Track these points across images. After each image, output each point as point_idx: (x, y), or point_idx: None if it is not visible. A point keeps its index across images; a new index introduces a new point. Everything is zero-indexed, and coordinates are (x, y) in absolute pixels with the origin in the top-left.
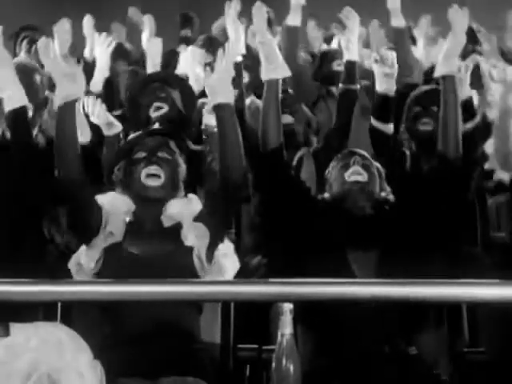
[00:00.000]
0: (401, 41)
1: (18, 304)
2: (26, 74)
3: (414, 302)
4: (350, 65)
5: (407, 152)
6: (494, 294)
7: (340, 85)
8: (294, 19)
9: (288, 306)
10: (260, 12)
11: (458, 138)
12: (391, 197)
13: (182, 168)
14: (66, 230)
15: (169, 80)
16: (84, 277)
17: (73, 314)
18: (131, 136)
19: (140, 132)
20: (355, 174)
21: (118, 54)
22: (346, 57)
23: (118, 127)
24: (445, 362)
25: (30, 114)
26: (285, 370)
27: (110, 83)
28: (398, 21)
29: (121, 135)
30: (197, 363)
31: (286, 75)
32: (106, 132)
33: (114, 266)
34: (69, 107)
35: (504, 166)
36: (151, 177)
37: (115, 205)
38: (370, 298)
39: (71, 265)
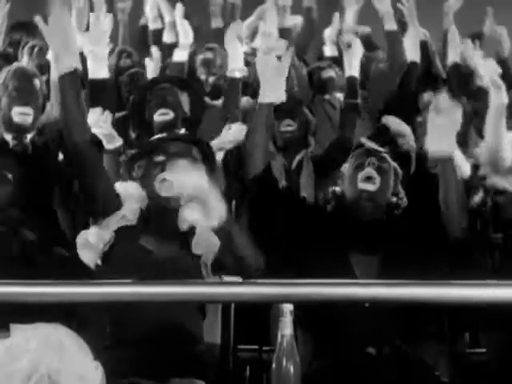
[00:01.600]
0: (394, 43)
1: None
2: (26, 79)
3: (414, 302)
4: (352, 80)
5: (412, 155)
6: (494, 294)
7: (343, 100)
8: (288, 21)
9: (288, 307)
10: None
11: (462, 217)
12: (404, 201)
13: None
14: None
15: (178, 82)
16: (90, 253)
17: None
18: (155, 137)
19: (164, 135)
20: (366, 182)
21: (122, 54)
22: (348, 73)
23: (119, 141)
24: (445, 363)
25: (30, 119)
26: (285, 370)
27: (113, 82)
28: (390, 24)
29: (121, 149)
30: (199, 365)
31: (282, 100)
32: (107, 145)
33: (124, 252)
34: (70, 77)
35: (495, 170)
36: (165, 189)
37: (131, 191)
38: (371, 298)
39: (79, 239)
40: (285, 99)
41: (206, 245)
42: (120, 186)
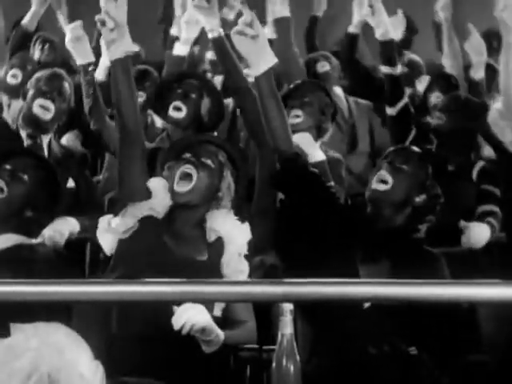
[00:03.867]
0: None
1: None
2: (58, 79)
3: (414, 302)
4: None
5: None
6: (494, 293)
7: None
8: (282, 10)
9: (288, 306)
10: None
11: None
12: (423, 202)
13: (226, 182)
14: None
15: (207, 86)
16: (109, 239)
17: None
18: (185, 137)
19: (194, 136)
20: (378, 182)
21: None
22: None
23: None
24: (445, 362)
25: (49, 115)
26: (285, 369)
27: None
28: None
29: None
30: (199, 364)
31: (275, 62)
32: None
33: (144, 244)
34: (123, 62)
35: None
36: (183, 179)
37: (160, 188)
38: (371, 297)
39: (101, 223)
40: (277, 60)
41: (235, 269)
42: (152, 180)
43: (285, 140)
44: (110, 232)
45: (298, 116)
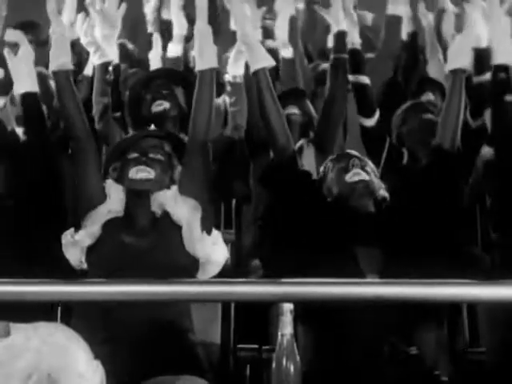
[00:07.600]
0: (393, 28)
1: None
2: (41, 79)
3: (414, 301)
4: (340, 35)
5: (404, 150)
6: (494, 293)
7: (330, 55)
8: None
9: (288, 306)
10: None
11: (456, 131)
12: (386, 195)
13: (177, 170)
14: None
15: (173, 77)
16: (76, 252)
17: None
18: (126, 136)
19: (135, 133)
20: (357, 175)
21: (121, 55)
22: (335, 28)
23: (108, 56)
24: (445, 362)
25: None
26: (285, 370)
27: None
28: (395, 8)
29: (110, 69)
30: (192, 360)
31: (272, 64)
32: (95, 59)
33: (107, 248)
34: (63, 75)
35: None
36: (140, 172)
37: (113, 186)
38: (372, 298)
39: (64, 238)
40: (274, 63)
41: (188, 207)
42: (107, 182)
43: (282, 133)
44: (76, 245)
45: (294, 112)
